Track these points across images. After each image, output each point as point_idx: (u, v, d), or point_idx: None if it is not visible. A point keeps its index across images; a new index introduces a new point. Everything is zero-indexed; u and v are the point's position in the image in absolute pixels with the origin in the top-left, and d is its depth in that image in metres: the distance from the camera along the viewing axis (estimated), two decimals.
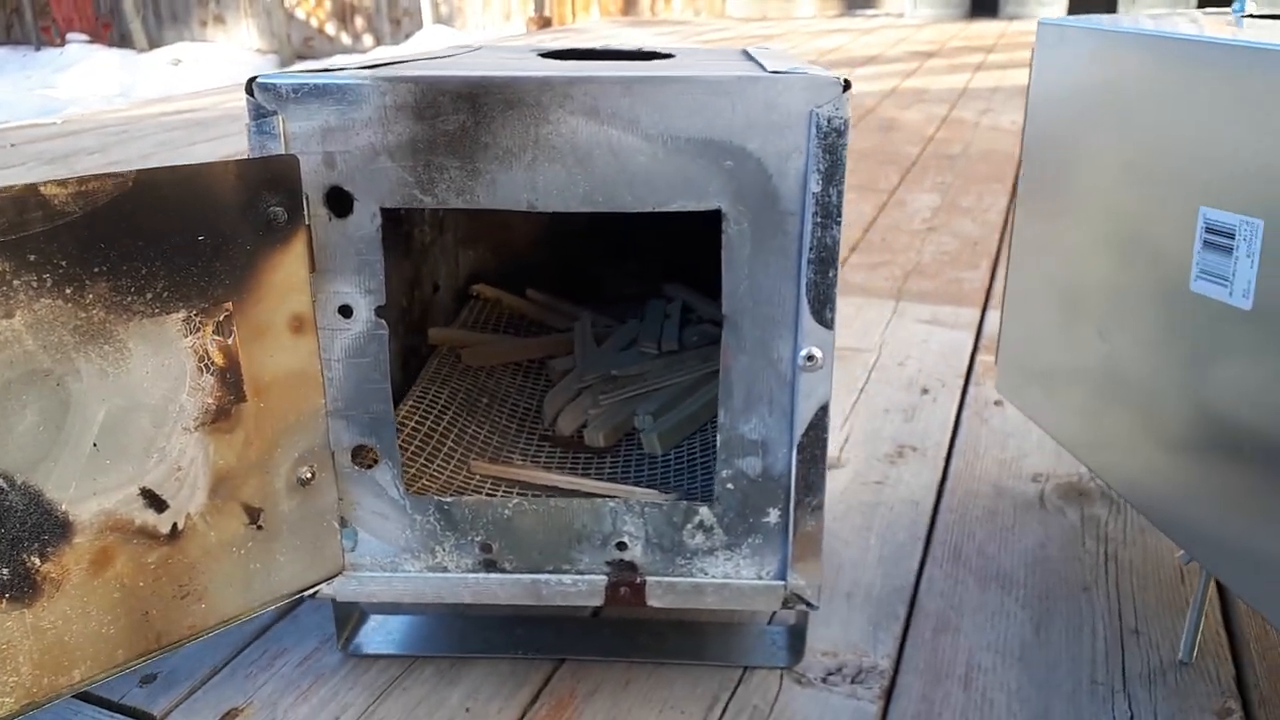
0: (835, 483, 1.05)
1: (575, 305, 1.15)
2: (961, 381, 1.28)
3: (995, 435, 1.14)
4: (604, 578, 0.72)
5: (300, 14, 8.77)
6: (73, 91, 7.14)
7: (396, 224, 0.96)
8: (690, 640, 0.81)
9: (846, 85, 0.61)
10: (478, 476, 0.82)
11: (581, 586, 0.72)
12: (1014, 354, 0.98)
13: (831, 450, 1.12)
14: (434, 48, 1.26)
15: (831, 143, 0.61)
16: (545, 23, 8.12)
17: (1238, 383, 0.68)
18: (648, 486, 0.81)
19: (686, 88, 0.61)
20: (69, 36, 8.75)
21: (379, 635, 0.81)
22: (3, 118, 6.15)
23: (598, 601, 0.73)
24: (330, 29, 8.77)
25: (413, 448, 0.83)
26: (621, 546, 0.72)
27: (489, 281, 1.18)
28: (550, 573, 0.73)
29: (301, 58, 8.57)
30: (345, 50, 8.73)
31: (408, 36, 8.41)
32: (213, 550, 0.64)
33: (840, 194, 0.62)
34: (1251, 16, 0.87)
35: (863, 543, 0.95)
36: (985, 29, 5.78)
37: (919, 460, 1.09)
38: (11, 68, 7.90)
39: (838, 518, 0.99)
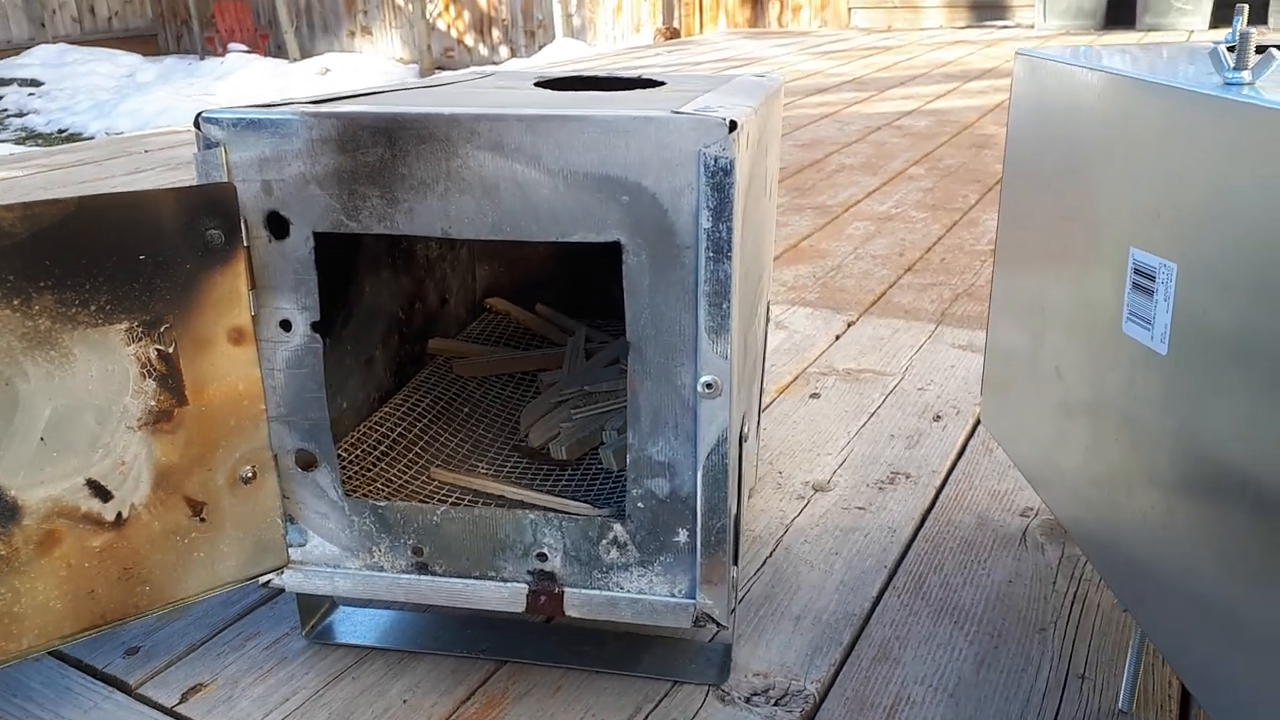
0: (818, 506, 1.05)
1: (579, 320, 1.19)
2: (978, 410, 1.26)
3: (996, 466, 1.12)
4: (525, 585, 0.76)
5: (441, 25, 9.13)
6: (229, 98, 7.64)
7: (393, 241, 1.02)
8: (629, 651, 0.83)
9: (733, 126, 0.63)
10: (435, 482, 0.86)
11: (504, 593, 0.76)
12: (994, 384, 0.96)
13: (823, 474, 1.12)
14: (534, 64, 1.32)
15: (719, 181, 0.63)
16: (673, 34, 8.20)
17: (1155, 428, 0.66)
18: (603, 503, 0.84)
19: (583, 126, 0.64)
20: (230, 47, 9.36)
21: (344, 626, 0.87)
22: (165, 122, 6.64)
23: (519, 608, 0.76)
24: (469, 40, 9.10)
25: (380, 449, 0.88)
26: (542, 557, 0.75)
27: (504, 295, 1.23)
28: (476, 578, 0.77)
29: (441, 68, 8.92)
30: (482, 61, 9.04)
31: (541, 48, 8.65)
32: (156, 538, 0.70)
33: (729, 230, 0.64)
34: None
35: (827, 566, 0.95)
36: (1118, 41, 5.53)
37: (909, 488, 1.08)
38: (177, 75, 8.52)
39: (810, 541, 0.99)
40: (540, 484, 0.88)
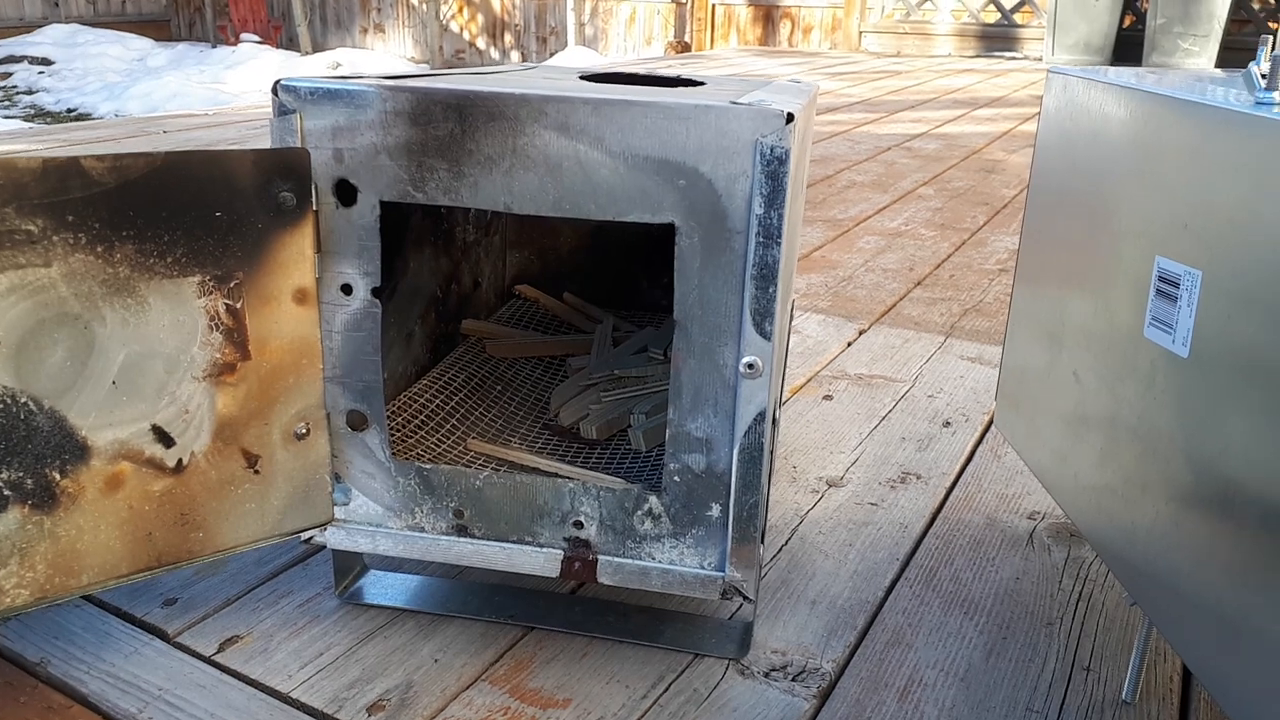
0: (831, 501, 1.09)
1: (605, 310, 1.22)
2: (986, 419, 1.30)
3: (1004, 471, 1.16)
4: (560, 551, 0.79)
5: (454, 27, 9.18)
6: (239, 87, 7.67)
7: (436, 221, 1.05)
8: (652, 624, 0.86)
9: (790, 118, 0.66)
10: (472, 453, 0.89)
11: (540, 558, 0.79)
12: (1010, 391, 1.00)
13: (837, 470, 1.15)
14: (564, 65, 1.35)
15: (774, 169, 0.67)
16: (684, 48, 8.27)
17: (1173, 429, 0.70)
18: (630, 480, 0.87)
19: (647, 111, 0.68)
20: (242, 36, 9.40)
21: (375, 588, 0.90)
22: (175, 107, 6.66)
23: (554, 572, 0.79)
24: (481, 43, 9.15)
25: (419, 419, 0.91)
26: (578, 525, 0.78)
27: (532, 283, 1.26)
28: (514, 542, 0.80)
29: (451, 68, 8.97)
30: (493, 64, 9.08)
31: (553, 55, 8.70)
32: (213, 486, 0.73)
33: (781, 217, 0.67)
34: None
35: (841, 556, 0.98)
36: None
37: (920, 488, 1.12)
38: (189, 62, 8.54)
39: (824, 532, 1.02)
40: (571, 460, 0.91)
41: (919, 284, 1.86)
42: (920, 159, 3.08)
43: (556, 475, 0.80)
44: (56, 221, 0.63)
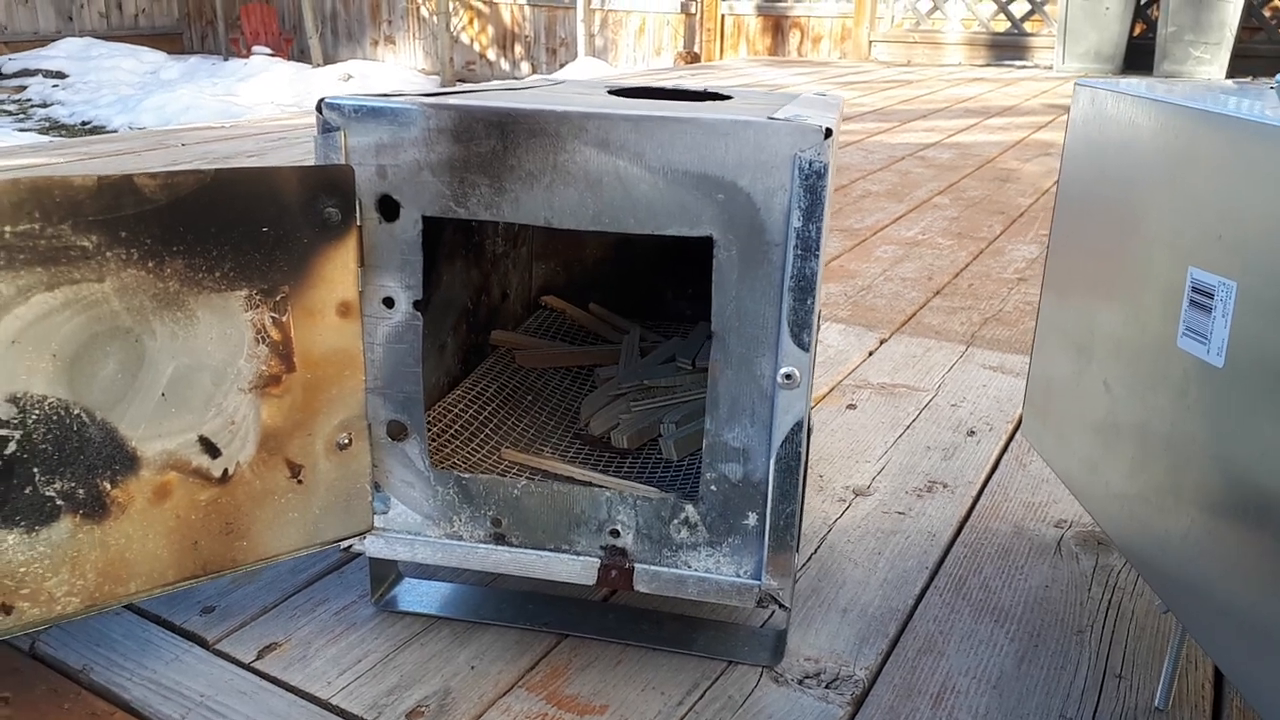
0: (859, 510, 1.09)
1: (631, 321, 1.23)
2: (1011, 427, 1.30)
3: (1030, 480, 1.16)
4: (597, 560, 0.80)
5: (465, 39, 9.23)
6: (251, 99, 7.72)
7: (467, 234, 1.06)
8: (685, 632, 0.87)
9: (828, 133, 0.67)
10: (506, 462, 0.90)
11: (577, 566, 0.80)
12: (1038, 400, 1.01)
13: (863, 479, 1.16)
14: (577, 77, 1.36)
15: (812, 183, 0.68)
16: (694, 58, 8.30)
17: (1207, 438, 0.70)
18: (662, 490, 0.88)
19: (686, 127, 0.69)
20: (254, 49, 9.46)
21: (409, 596, 0.91)
22: (188, 119, 6.71)
23: (591, 580, 0.80)
24: (491, 55, 9.20)
25: (454, 429, 0.92)
26: (615, 534, 0.79)
27: (558, 294, 1.27)
28: (551, 550, 0.81)
29: (461, 80, 9.02)
30: (504, 75, 9.13)
31: (562, 66, 8.75)
32: (257, 496, 0.75)
33: (819, 230, 0.69)
34: None
35: (871, 564, 0.99)
36: None
37: (947, 496, 1.12)
38: (201, 74, 8.61)
39: (853, 540, 1.03)
40: (603, 469, 0.92)
41: (938, 293, 1.87)
42: (934, 168, 3.09)
43: (592, 484, 0.82)
44: (110, 237, 0.64)
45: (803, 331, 0.71)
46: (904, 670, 0.84)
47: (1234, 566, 0.67)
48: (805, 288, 0.70)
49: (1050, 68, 6.43)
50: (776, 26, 8.00)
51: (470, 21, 9.18)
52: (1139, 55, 6.05)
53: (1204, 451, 0.70)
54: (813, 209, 0.68)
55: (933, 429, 1.30)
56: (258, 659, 0.83)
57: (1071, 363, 0.93)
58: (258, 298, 0.71)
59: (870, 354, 1.56)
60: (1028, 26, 6.93)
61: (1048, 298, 0.99)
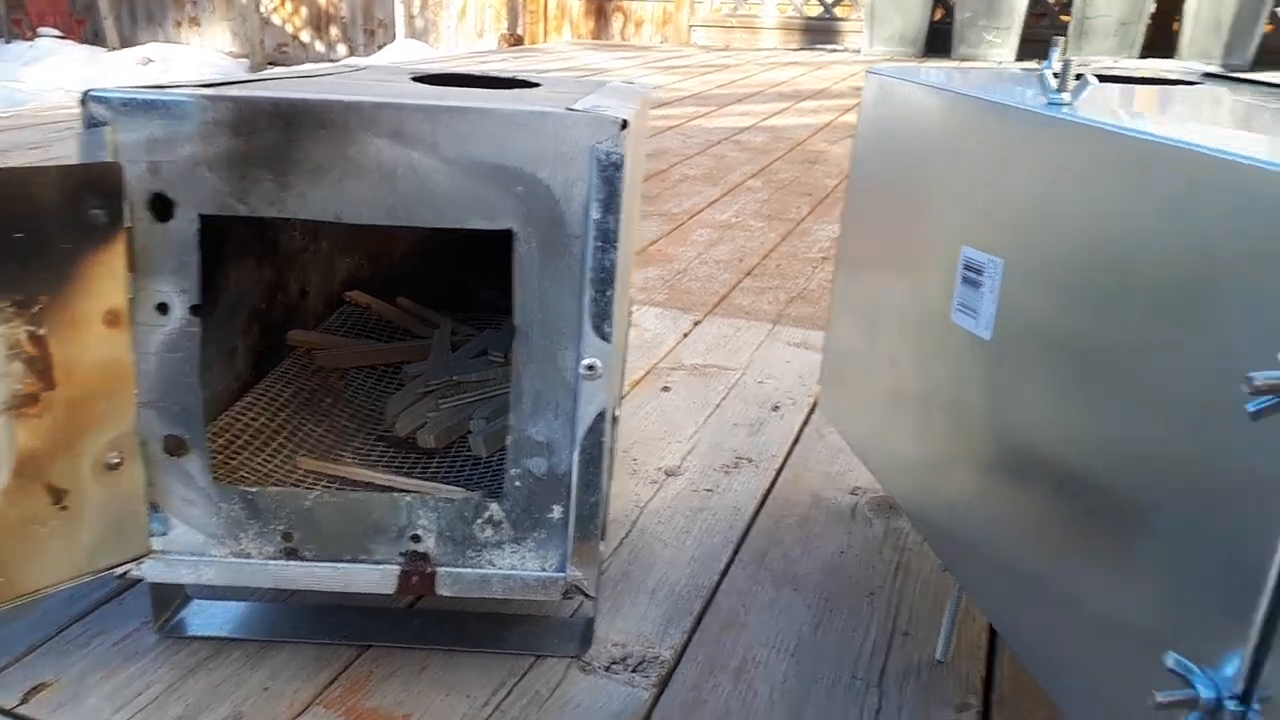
0: (670, 490, 1.12)
1: (443, 314, 1.21)
2: (812, 401, 1.36)
3: (828, 451, 1.22)
4: (397, 567, 0.79)
5: (276, 20, 8.81)
6: (37, 85, 7.14)
7: (260, 230, 1.02)
8: (493, 631, 0.87)
9: (625, 125, 0.68)
10: (301, 471, 0.88)
11: (376, 575, 0.79)
12: (832, 374, 1.06)
13: (674, 460, 1.19)
14: (394, 62, 1.32)
15: (610, 175, 0.68)
16: (517, 41, 8.22)
17: (979, 407, 0.76)
18: (470, 488, 0.87)
19: (483, 118, 0.68)
20: (40, 31, 8.74)
21: (198, 619, 0.87)
22: None
23: (391, 589, 0.79)
24: (305, 36, 8.82)
25: (242, 440, 0.89)
26: (416, 539, 0.78)
27: (364, 288, 1.24)
28: (348, 561, 0.79)
29: (273, 63, 8.61)
30: (318, 58, 8.78)
31: (380, 48, 8.48)
32: (13, 527, 0.70)
33: (618, 221, 0.69)
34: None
35: (679, 544, 1.01)
36: (939, 67, 5.93)
37: (752, 471, 1.17)
38: None
39: (663, 521, 1.05)
40: (408, 471, 0.90)
41: (749, 274, 1.92)
42: (749, 151, 3.17)
43: (393, 489, 0.80)
44: None
45: (604, 323, 0.72)
46: (708, 646, 0.87)
47: (1000, 527, 0.72)
48: (605, 279, 0.71)
49: (859, 51, 6.71)
50: (600, 10, 8.01)
51: (282, 2, 8.78)
52: (940, 39, 6.39)
53: (976, 420, 0.76)
54: (610, 201, 0.69)
55: (741, 406, 1.34)
56: (22, 703, 0.78)
57: (862, 338, 0.98)
58: (10, 310, 0.66)
59: (685, 336, 1.59)
60: (838, 11, 7.21)
61: (840, 276, 1.04)
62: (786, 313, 1.71)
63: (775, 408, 1.34)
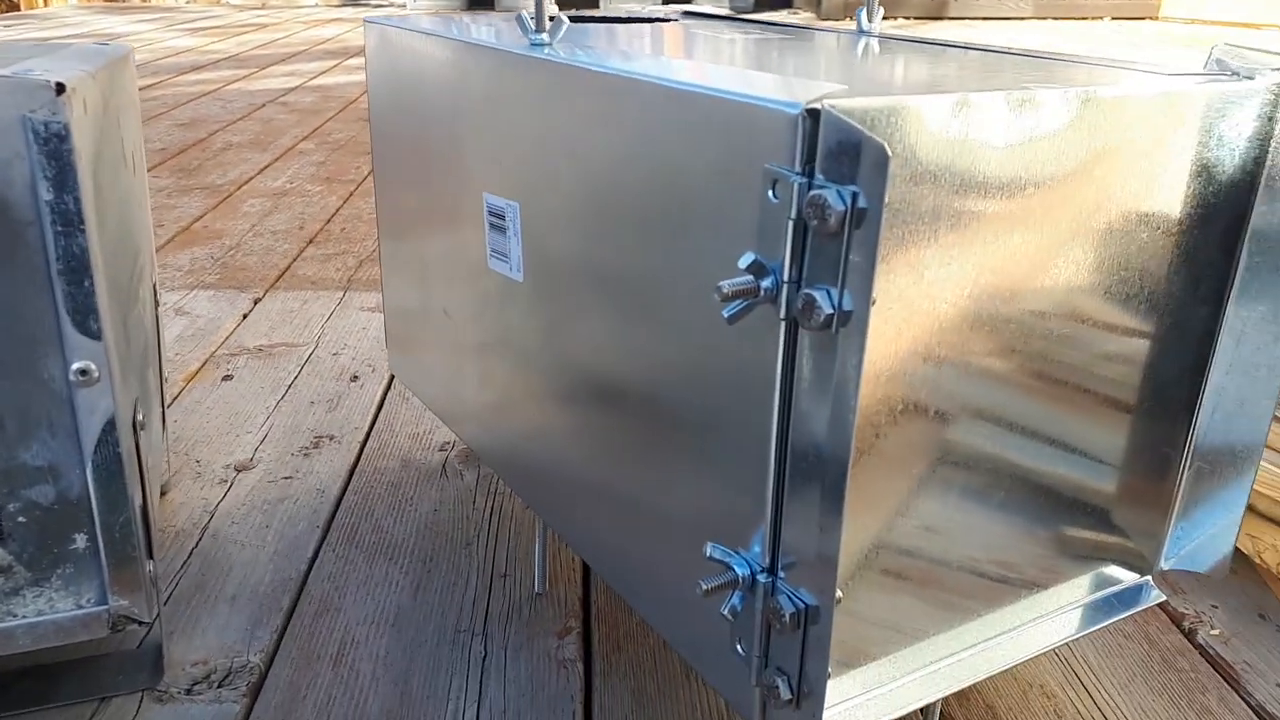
0: (242, 486, 1.03)
1: None
2: None
3: (413, 412, 1.19)
4: None
5: None
6: None
7: None
8: (42, 685, 0.75)
9: (60, 89, 0.58)
10: None
11: None
12: (396, 335, 1.02)
13: (244, 453, 1.09)
14: None
15: (55, 148, 0.58)
16: (12, 7, 7.06)
17: (526, 346, 0.76)
18: None
19: None
20: None
21: None
22: None
23: None
24: None
25: None
26: None
27: None
28: None
29: None
30: None
31: None
32: None
33: (78, 200, 0.60)
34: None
35: (259, 541, 0.94)
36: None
37: (334, 448, 1.11)
38: None
39: (238, 521, 0.97)
40: None
41: (311, 242, 1.82)
42: (298, 113, 3.00)
43: None
44: None
45: (88, 318, 0.62)
46: (301, 639, 0.81)
47: (563, 454, 0.74)
48: (78, 268, 0.61)
49: (404, 6, 6.59)
50: None
51: None
52: None
53: (527, 359, 0.76)
54: (63, 178, 0.59)
55: (316, 382, 1.27)
56: None
57: (415, 295, 0.95)
58: None
59: (245, 317, 1.47)
60: None
61: (384, 236, 1.00)
62: (357, 278, 1.64)
63: (354, 378, 1.28)
